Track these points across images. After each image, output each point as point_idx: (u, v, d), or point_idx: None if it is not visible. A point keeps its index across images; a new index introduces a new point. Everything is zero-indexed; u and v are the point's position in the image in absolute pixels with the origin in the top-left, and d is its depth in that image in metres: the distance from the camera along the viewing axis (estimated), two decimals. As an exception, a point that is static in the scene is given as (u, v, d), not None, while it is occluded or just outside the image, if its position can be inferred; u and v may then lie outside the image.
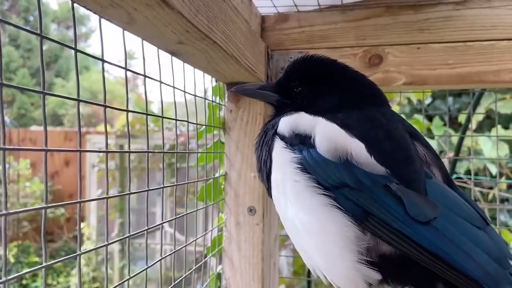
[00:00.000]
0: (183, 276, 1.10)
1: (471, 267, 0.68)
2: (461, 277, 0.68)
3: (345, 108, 0.84)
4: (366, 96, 0.89)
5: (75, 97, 0.66)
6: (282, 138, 0.82)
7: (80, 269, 0.69)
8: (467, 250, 0.69)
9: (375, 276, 0.72)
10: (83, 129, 7.74)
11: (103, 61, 0.72)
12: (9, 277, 0.49)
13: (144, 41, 0.86)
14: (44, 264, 0.56)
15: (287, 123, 0.83)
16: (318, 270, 0.79)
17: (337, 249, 0.73)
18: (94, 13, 0.70)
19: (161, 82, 0.92)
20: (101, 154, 5.99)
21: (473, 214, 0.75)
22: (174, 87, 0.99)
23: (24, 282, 6.11)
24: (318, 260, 0.77)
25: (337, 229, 0.72)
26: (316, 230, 0.75)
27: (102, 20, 0.73)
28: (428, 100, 3.91)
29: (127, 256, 0.95)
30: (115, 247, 5.90)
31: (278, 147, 0.82)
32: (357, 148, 0.75)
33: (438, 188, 0.76)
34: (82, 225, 6.38)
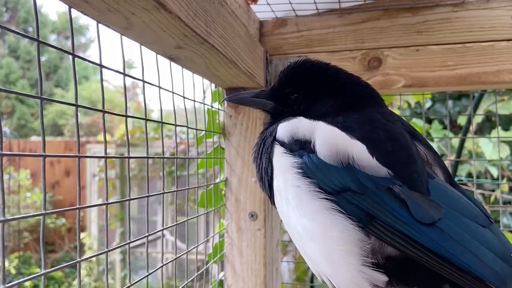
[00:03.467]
0: (184, 284, 1.09)
1: (478, 266, 0.67)
2: (467, 278, 0.67)
3: (343, 111, 0.84)
4: (363, 97, 0.88)
5: (74, 102, 0.66)
6: (282, 144, 0.81)
7: (80, 276, 0.68)
8: (473, 249, 0.68)
9: (381, 278, 0.71)
10: (83, 139, 7.76)
11: (101, 66, 0.72)
12: (7, 285, 0.48)
13: (143, 49, 0.86)
14: (43, 271, 0.55)
15: (285, 129, 0.82)
16: (323, 275, 0.78)
17: (341, 253, 0.72)
18: (92, 18, 0.70)
19: (160, 87, 0.92)
20: (101, 163, 5.98)
21: (477, 213, 0.74)
22: (173, 92, 0.99)
23: (25, 293, 6.07)
24: (323, 265, 0.76)
25: (340, 232, 0.72)
26: (319, 234, 0.74)
27: (101, 28, 0.73)
28: (428, 104, 3.91)
29: (128, 266, 0.94)
30: (117, 257, 5.88)
31: (278, 153, 0.81)
32: (358, 151, 0.74)
33: (441, 187, 0.75)
34: (83, 235, 6.36)
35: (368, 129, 0.78)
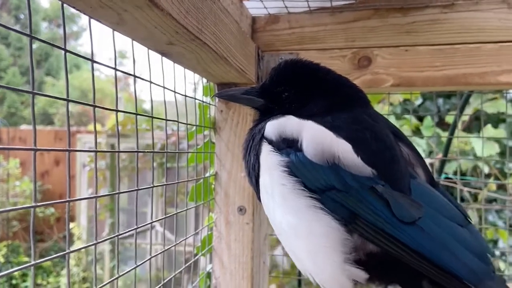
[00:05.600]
0: (172, 275, 1.11)
1: (456, 265, 0.70)
2: (445, 275, 0.70)
3: (332, 111, 0.85)
4: (351, 98, 0.90)
5: (65, 96, 0.67)
6: (270, 142, 0.82)
7: (69, 268, 0.69)
8: (451, 248, 0.71)
9: (362, 275, 0.74)
10: (74, 128, 7.69)
11: (93, 61, 0.73)
12: (-3, 275, 0.49)
13: (135, 42, 0.87)
14: (32, 262, 0.56)
15: (274, 127, 0.84)
16: (307, 272, 0.80)
17: (324, 250, 0.74)
18: (84, 13, 0.71)
19: (151, 82, 0.93)
20: (92, 153, 5.95)
21: (455, 213, 0.77)
22: (164, 87, 1.00)
23: (14, 282, 6.06)
24: (306, 262, 0.78)
25: (323, 230, 0.74)
26: (303, 232, 0.76)
27: (92, 20, 0.73)
28: (418, 101, 3.95)
29: (117, 257, 0.96)
30: (106, 248, 5.87)
31: (266, 151, 0.83)
32: (344, 150, 0.76)
33: (422, 188, 0.78)
34: (72, 225, 6.33)
35: (355, 129, 0.80)
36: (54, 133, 8.17)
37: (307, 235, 0.75)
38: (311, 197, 0.75)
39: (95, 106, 0.73)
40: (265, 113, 0.93)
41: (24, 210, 6.46)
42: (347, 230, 0.74)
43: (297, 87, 0.90)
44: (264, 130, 0.85)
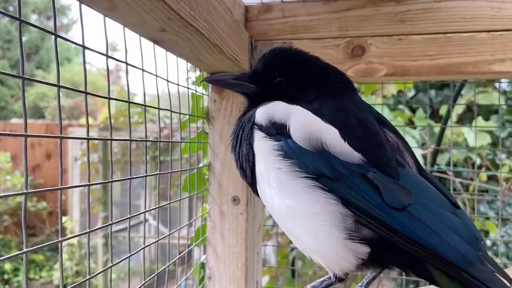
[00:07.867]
0: (166, 266, 1.10)
1: (446, 249, 0.71)
2: (437, 258, 0.71)
3: (320, 98, 0.86)
4: (338, 85, 0.90)
5: (56, 85, 0.66)
6: (260, 128, 0.82)
7: (61, 257, 0.68)
8: (441, 233, 0.72)
9: (364, 249, 0.75)
10: (65, 122, 7.63)
11: (84, 47, 0.71)
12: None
13: (127, 32, 0.86)
14: (25, 249, 0.56)
15: (263, 113, 0.84)
16: (309, 252, 0.81)
17: (326, 229, 0.74)
18: (75, -2, 0.69)
19: (143, 70, 0.92)
20: (83, 146, 5.92)
21: (443, 201, 0.78)
22: (156, 76, 0.99)
23: (6, 277, 6.02)
24: (309, 242, 0.79)
25: (323, 209, 0.74)
26: (303, 212, 0.76)
27: (83, 9, 0.72)
28: (411, 93, 3.97)
29: (110, 248, 0.95)
30: (99, 241, 5.85)
31: (258, 138, 0.82)
32: (331, 135, 0.77)
33: (412, 176, 0.79)
34: (65, 219, 6.30)
35: (340, 116, 0.81)
36: (45, 126, 8.09)
37: (307, 215, 0.76)
38: (307, 177, 0.75)
39: (86, 93, 0.72)
40: (255, 100, 0.92)
41: (15, 205, 6.42)
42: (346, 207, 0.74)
43: (289, 73, 0.90)
44: (254, 118, 0.84)
